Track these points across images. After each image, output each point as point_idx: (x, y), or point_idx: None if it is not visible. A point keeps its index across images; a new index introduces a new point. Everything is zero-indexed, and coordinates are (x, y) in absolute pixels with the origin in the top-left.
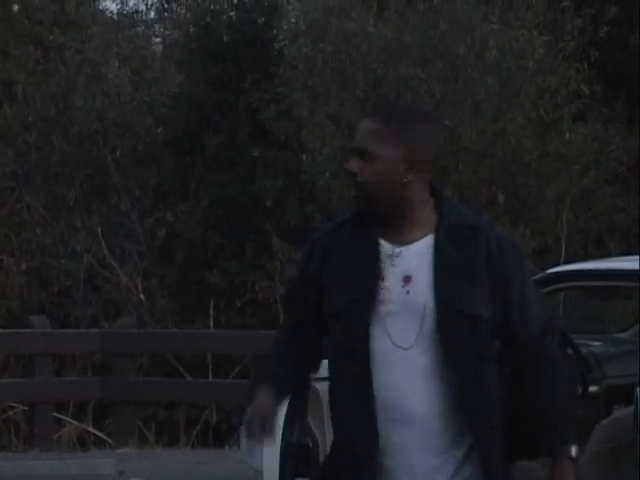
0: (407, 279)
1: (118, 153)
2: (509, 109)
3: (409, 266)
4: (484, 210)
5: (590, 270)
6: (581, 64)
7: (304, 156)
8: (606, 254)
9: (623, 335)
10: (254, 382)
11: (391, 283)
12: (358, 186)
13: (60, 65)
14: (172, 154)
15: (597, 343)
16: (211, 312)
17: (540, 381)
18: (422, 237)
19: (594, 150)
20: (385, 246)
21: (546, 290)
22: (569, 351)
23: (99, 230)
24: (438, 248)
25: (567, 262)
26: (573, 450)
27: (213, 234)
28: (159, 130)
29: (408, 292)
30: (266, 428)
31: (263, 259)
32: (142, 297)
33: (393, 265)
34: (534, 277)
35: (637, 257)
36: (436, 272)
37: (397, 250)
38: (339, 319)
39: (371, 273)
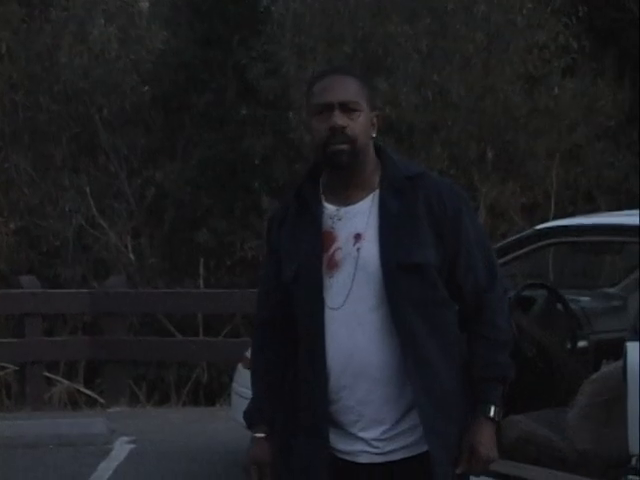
0: (357, 237)
1: (105, 112)
2: (498, 64)
3: (358, 224)
4: (473, 166)
5: (579, 225)
6: (569, 19)
7: (291, 114)
8: (595, 209)
9: (612, 290)
10: (248, 417)
11: (341, 243)
12: (345, 140)
13: (45, 24)
14: (160, 113)
15: (586, 298)
16: (201, 271)
17: (473, 339)
18: (367, 195)
19: (583, 105)
20: (329, 208)
21: (535, 246)
22: (559, 306)
23: (87, 190)
24: (381, 203)
25: (556, 218)
26: (492, 410)
27: (202, 193)
28: (146, 88)
29: (359, 249)
30: (262, 474)
31: (252, 218)
32: (131, 257)
33: (341, 225)
34: (523, 233)
35: (626, 212)
36: (380, 227)
37: (342, 211)
38: (293, 287)
39: (315, 238)
